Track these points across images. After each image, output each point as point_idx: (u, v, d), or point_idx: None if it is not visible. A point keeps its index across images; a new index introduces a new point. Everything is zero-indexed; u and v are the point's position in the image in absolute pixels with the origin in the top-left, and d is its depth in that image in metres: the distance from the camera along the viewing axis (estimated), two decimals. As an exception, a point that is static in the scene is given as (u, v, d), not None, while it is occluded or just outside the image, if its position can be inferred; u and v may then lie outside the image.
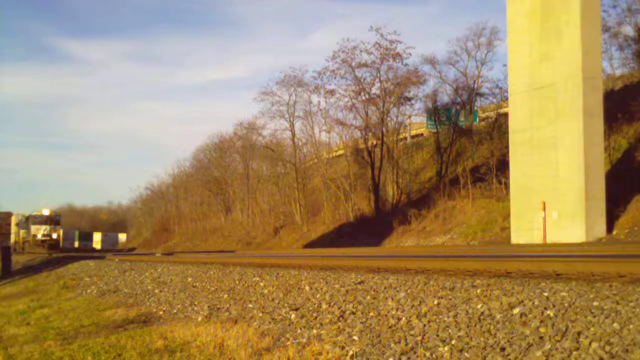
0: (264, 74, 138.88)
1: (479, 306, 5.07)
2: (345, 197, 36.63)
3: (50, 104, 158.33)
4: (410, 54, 32.31)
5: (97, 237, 75.73)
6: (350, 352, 4.90)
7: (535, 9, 19.10)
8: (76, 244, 70.31)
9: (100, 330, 8.11)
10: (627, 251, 10.54)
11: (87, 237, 74.82)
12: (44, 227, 50.50)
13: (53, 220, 51.67)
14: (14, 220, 56.42)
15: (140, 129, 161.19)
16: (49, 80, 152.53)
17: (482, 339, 4.47)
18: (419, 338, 4.83)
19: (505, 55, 24.67)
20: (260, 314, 7.02)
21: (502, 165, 24.96)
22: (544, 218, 18.20)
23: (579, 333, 4.05)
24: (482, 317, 4.84)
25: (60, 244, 56.22)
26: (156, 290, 10.92)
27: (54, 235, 50.76)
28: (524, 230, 19.07)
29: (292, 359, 5.05)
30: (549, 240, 17.92)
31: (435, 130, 35.29)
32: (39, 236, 49.86)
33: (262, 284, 8.60)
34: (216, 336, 6.04)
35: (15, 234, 56.46)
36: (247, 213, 49.75)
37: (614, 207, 18.37)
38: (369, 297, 6.28)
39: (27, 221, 52.22)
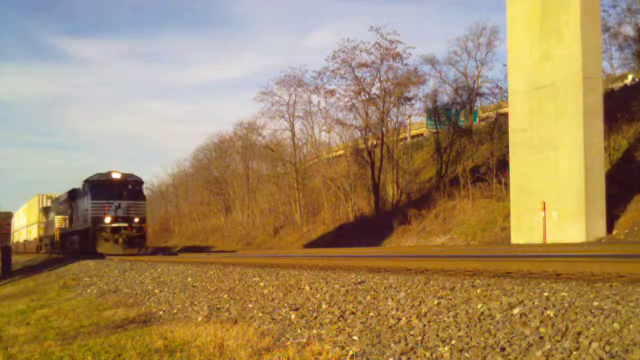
0: (264, 74, 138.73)
1: (479, 306, 5.07)
2: (345, 197, 36.62)
3: (50, 104, 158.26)
4: (410, 54, 32.39)
5: None
6: (350, 352, 4.90)
7: (535, 9, 19.11)
8: None
9: (100, 330, 8.11)
10: (627, 251, 10.55)
11: None
12: (115, 203, 25.39)
13: (131, 191, 26.26)
14: (37, 204, 41.68)
15: (140, 129, 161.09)
16: (48, 80, 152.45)
17: (482, 339, 4.47)
18: (419, 338, 4.83)
19: (505, 55, 24.68)
20: (260, 314, 7.02)
21: (502, 165, 24.96)
22: (544, 218, 18.20)
23: (579, 333, 4.04)
24: (482, 317, 4.84)
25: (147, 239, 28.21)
26: (156, 290, 10.91)
27: (136, 220, 25.79)
28: (524, 230, 19.08)
29: (292, 359, 5.05)
30: (549, 240, 17.93)
31: (435, 130, 35.29)
32: (107, 220, 25.12)
33: (262, 284, 8.60)
34: (216, 336, 6.04)
35: (38, 225, 40.59)
36: (247, 213, 49.74)
37: (614, 207, 18.37)
38: (369, 297, 6.28)
39: (75, 197, 28.96)
